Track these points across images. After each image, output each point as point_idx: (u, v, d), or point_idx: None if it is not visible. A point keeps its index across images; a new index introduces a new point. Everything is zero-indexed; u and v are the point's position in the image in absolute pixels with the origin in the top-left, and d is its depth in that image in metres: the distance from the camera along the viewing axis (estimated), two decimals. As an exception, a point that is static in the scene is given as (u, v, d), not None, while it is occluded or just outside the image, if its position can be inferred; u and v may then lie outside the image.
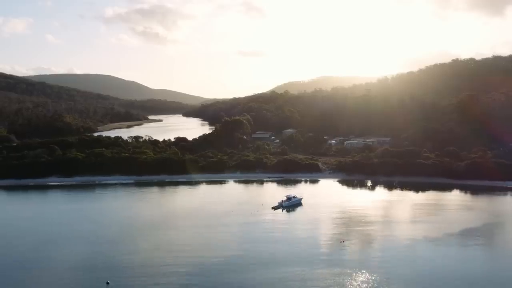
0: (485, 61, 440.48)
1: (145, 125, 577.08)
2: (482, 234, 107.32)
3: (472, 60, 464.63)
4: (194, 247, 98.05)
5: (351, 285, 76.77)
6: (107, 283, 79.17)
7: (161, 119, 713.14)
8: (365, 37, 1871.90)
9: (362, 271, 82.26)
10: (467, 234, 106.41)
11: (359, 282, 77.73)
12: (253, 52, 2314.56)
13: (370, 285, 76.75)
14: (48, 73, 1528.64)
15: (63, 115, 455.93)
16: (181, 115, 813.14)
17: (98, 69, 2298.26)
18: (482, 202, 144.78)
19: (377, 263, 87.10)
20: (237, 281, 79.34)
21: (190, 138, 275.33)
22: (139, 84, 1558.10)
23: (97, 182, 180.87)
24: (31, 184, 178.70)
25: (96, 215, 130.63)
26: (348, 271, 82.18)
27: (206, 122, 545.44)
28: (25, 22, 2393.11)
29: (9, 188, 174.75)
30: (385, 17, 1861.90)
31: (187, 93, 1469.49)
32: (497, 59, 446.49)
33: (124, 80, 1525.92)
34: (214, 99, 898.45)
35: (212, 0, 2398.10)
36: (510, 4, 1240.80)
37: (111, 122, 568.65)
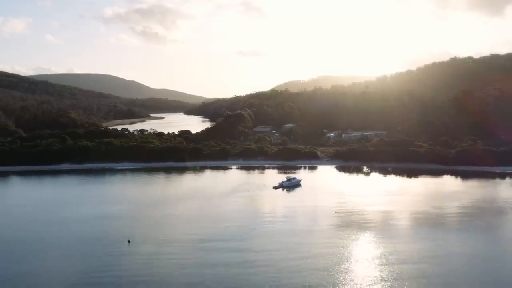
0: (483, 60, 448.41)
1: (147, 122, 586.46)
2: (468, 207, 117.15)
3: (470, 58, 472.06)
4: (201, 217, 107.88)
5: (342, 242, 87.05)
6: (128, 241, 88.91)
7: (162, 116, 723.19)
8: (364, 36, 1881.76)
9: (353, 232, 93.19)
10: (451, 205, 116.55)
11: (349, 240, 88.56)
12: (253, 52, 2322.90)
13: (359, 242, 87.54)
14: (48, 72, 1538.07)
15: (68, 110, 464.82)
16: (182, 113, 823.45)
17: (98, 68, 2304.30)
18: (471, 184, 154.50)
19: (365, 226, 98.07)
20: (241, 234, 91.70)
21: (193, 132, 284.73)
22: (140, 84, 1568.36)
23: (107, 167, 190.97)
24: (44, 169, 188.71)
25: (108, 195, 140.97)
26: (340, 233, 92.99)
27: (207, 119, 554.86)
28: (24, 22, 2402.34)
29: (24, 173, 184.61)
30: (384, 17, 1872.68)
31: (187, 92, 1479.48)
32: (495, 58, 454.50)
33: (124, 80, 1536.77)
34: (215, 99, 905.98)
35: (211, 0, 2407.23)
36: (509, 4, 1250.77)
37: (114, 119, 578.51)
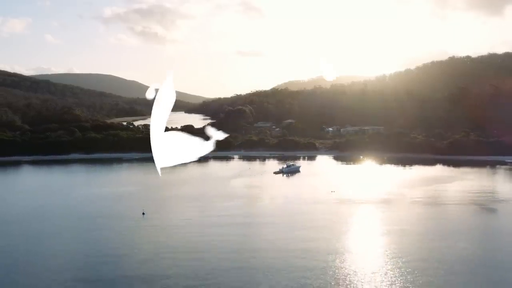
0: (481, 59, 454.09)
1: (149, 120, 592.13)
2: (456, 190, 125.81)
3: (468, 58, 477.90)
4: (207, 195, 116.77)
5: (336, 211, 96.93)
6: (143, 213, 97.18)
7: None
8: (364, 36, 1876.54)
9: (346, 206, 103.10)
10: (438, 186, 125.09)
11: (343, 211, 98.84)
12: (252, 52, 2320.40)
13: (351, 212, 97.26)
14: (48, 72, 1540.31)
15: (72, 108, 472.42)
16: (183, 112, 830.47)
17: (98, 68, 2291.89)
18: (462, 170, 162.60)
19: (358, 201, 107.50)
20: (245, 207, 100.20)
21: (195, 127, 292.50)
22: (140, 84, 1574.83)
23: (114, 157, 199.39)
24: (54, 159, 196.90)
25: (118, 179, 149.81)
26: (335, 206, 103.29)
27: (208, 117, 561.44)
28: (24, 22, 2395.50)
29: (35, 163, 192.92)
30: (383, 17, 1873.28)
31: (187, 92, 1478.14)
32: (493, 57, 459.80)
33: (125, 80, 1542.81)
34: (215, 98, 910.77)
35: (210, 0, 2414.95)
36: (509, 4, 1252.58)
37: (116, 117, 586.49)
